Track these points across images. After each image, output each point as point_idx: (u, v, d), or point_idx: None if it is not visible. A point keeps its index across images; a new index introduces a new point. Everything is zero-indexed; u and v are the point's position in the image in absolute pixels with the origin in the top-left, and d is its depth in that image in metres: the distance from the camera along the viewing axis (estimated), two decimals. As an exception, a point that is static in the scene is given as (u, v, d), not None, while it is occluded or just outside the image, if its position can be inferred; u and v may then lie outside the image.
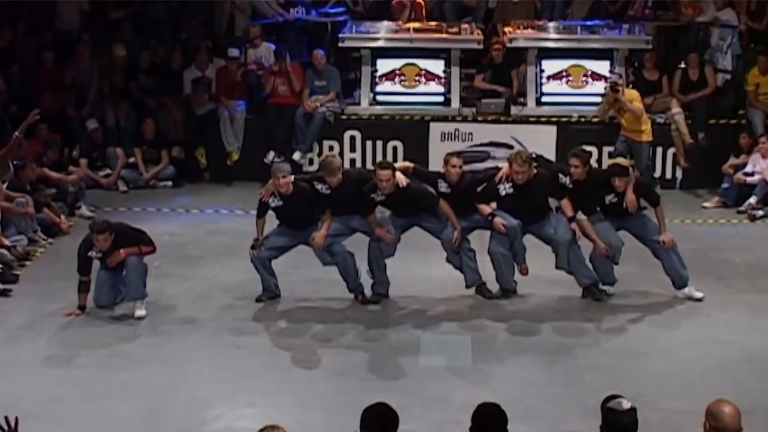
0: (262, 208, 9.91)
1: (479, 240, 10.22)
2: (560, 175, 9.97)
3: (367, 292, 10.03)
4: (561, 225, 9.89)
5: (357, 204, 9.88)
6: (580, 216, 9.98)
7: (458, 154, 10.30)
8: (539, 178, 9.89)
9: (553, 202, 10.11)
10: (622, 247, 9.96)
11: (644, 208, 10.03)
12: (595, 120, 13.71)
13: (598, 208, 9.98)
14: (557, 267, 10.02)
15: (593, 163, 13.27)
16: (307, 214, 9.91)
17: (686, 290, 10.00)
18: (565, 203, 9.90)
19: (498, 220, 9.82)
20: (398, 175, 9.73)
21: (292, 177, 9.86)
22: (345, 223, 9.94)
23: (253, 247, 9.88)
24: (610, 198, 9.91)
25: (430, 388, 8.26)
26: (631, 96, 13.04)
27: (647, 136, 13.13)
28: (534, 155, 10.14)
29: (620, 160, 10.40)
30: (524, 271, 10.09)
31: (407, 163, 10.34)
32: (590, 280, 10.01)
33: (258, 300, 9.96)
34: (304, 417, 7.56)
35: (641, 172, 13.20)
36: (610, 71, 13.63)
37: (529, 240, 10.05)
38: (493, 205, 9.96)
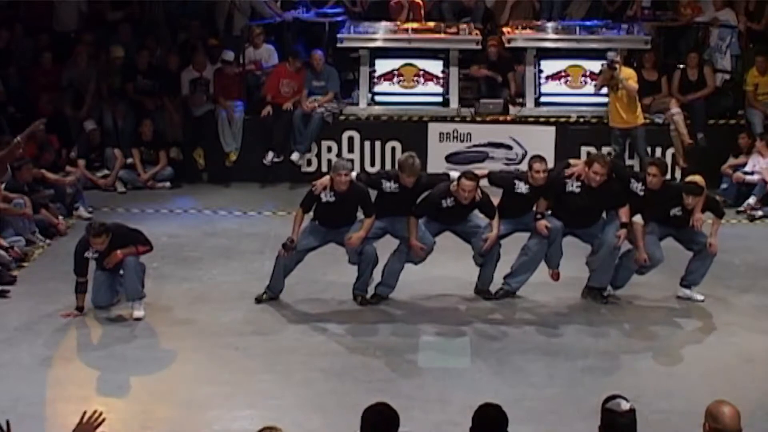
0: (310, 201, 9.75)
1: (514, 242, 10.12)
2: (632, 181, 9.83)
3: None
4: (612, 227, 9.75)
5: (411, 206, 9.77)
6: (637, 219, 9.77)
7: (540, 158, 9.93)
8: (611, 183, 9.71)
9: None
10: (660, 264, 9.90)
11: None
12: (593, 121, 13.72)
13: (657, 218, 9.84)
14: (587, 262, 9.96)
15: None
16: (352, 214, 9.81)
17: (689, 291, 9.98)
18: (624, 209, 9.72)
19: (542, 223, 9.72)
20: None
21: (354, 174, 9.83)
22: (383, 227, 9.85)
23: (285, 247, 9.74)
24: (675, 211, 9.76)
25: (429, 389, 8.24)
26: (628, 74, 13.04)
27: (641, 119, 13.16)
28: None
29: (698, 179, 10.21)
30: (555, 276, 10.04)
31: (483, 171, 10.20)
32: (600, 285, 9.98)
33: (258, 300, 9.94)
34: (303, 418, 7.55)
35: (641, 158, 13.23)
36: (608, 50, 13.50)
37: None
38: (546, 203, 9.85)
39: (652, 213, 9.83)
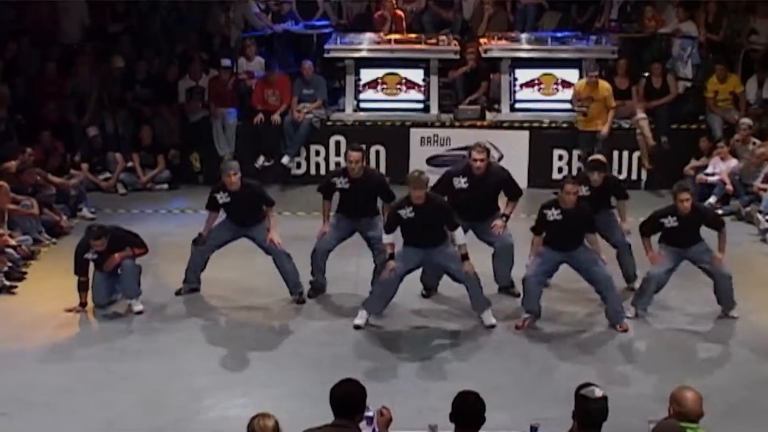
0: (212, 203, 9.81)
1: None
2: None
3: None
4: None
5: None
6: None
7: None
8: (492, 170, 9.63)
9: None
10: None
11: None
12: (564, 125, 13.76)
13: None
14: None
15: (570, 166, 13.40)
16: (254, 211, 9.78)
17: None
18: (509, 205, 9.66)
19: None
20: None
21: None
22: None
23: (194, 242, 9.86)
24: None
25: (412, 377, 8.31)
26: (605, 87, 13.25)
27: (603, 125, 13.29)
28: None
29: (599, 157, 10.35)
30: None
31: None
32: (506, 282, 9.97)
33: (177, 293, 9.94)
34: (295, 406, 7.53)
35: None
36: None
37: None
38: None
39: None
